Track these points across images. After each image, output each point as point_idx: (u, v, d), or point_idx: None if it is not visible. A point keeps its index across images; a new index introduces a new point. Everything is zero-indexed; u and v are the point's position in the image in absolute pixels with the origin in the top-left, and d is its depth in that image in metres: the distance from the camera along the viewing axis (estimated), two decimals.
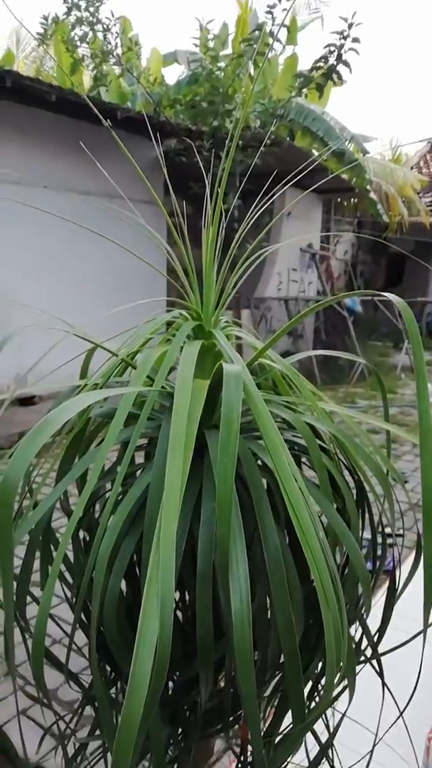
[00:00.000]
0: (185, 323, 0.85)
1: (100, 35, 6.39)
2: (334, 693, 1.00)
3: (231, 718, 0.96)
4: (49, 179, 6.06)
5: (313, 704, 1.04)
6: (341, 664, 0.66)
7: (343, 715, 0.91)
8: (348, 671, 0.77)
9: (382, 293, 0.77)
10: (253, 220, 1.06)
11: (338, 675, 0.98)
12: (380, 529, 1.06)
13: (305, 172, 1.39)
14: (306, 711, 0.77)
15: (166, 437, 0.70)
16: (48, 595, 0.72)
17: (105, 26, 6.36)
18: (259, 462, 0.89)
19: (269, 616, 0.88)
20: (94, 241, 6.28)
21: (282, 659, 0.89)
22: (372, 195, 9.39)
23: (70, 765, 0.99)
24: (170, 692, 0.95)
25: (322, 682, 1.02)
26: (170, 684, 1.00)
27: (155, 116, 6.42)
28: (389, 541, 1.11)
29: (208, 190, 0.96)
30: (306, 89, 6.98)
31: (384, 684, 1.10)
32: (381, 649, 1.08)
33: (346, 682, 0.85)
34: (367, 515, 1.08)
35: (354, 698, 1.03)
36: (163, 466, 0.64)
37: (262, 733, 1.05)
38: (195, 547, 0.78)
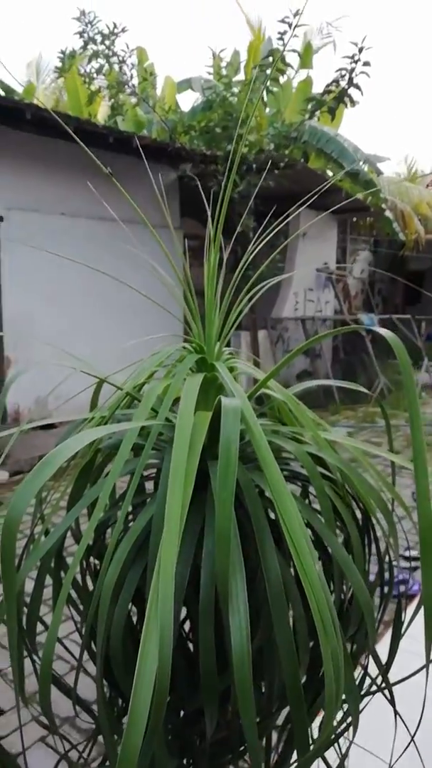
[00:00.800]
0: (188, 356, 0.87)
1: (116, 67, 6.58)
2: (344, 724, 1.00)
3: (241, 748, 0.96)
4: (68, 206, 6.20)
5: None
6: (342, 697, 0.66)
7: (351, 742, 0.90)
8: (352, 707, 0.77)
9: (373, 329, 0.78)
10: (266, 240, 1.08)
11: (342, 708, 0.97)
12: (387, 558, 1.06)
13: (319, 192, 1.41)
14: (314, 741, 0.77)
15: (167, 470, 0.72)
16: (55, 623, 0.74)
17: (120, 58, 6.54)
18: (267, 494, 0.90)
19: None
20: (111, 268, 6.38)
21: None
22: (387, 213, 9.41)
23: None
24: (179, 722, 0.96)
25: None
26: (181, 713, 1.00)
27: (171, 142, 6.55)
28: (405, 564, 1.10)
29: (210, 222, 0.99)
30: (318, 112, 7.08)
31: (396, 713, 1.09)
32: (392, 677, 1.07)
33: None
34: (374, 544, 1.08)
35: (368, 726, 1.02)
36: (166, 500, 0.66)
37: (273, 762, 1.04)
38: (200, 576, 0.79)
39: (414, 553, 3.09)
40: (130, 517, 0.99)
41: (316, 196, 1.39)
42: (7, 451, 0.79)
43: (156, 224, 1.01)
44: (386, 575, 1.10)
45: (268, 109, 9.17)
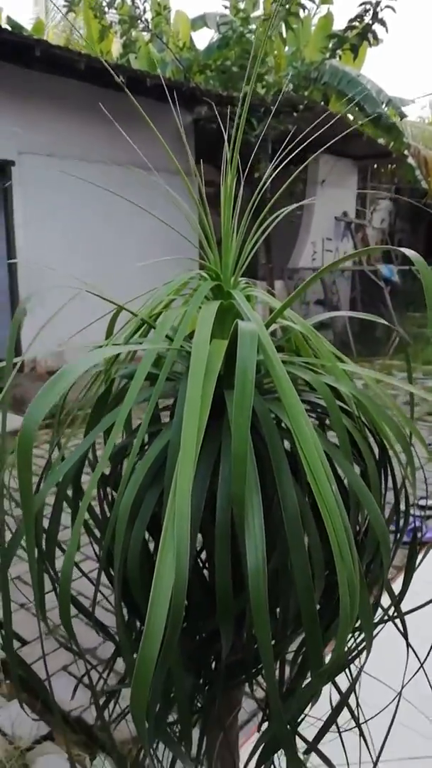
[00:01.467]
0: (203, 283, 0.85)
1: (128, 0, 6.30)
2: (357, 650, 1.02)
3: (254, 670, 0.99)
4: (82, 149, 6.07)
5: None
6: (356, 616, 0.67)
7: (361, 668, 0.93)
8: (366, 628, 0.78)
9: (400, 250, 0.75)
10: (277, 171, 1.04)
11: (357, 634, 1.00)
12: (403, 494, 1.05)
13: (331, 133, 1.36)
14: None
15: (184, 396, 0.71)
16: (74, 543, 0.75)
17: None
18: (284, 425, 0.89)
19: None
20: (127, 212, 6.29)
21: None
22: (410, 160, 9.09)
23: (102, 711, 1.04)
24: (195, 645, 0.98)
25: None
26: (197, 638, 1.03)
27: (185, 82, 6.32)
28: (420, 513, 1.10)
29: (226, 145, 0.95)
30: (340, 50, 6.76)
31: (408, 644, 1.12)
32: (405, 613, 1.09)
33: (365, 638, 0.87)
34: (390, 481, 1.07)
35: (379, 658, 1.04)
36: (182, 423, 0.66)
37: (285, 689, 1.08)
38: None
39: (430, 502, 3.11)
40: (146, 448, 0.99)
41: (336, 141, 1.34)
42: (7, 389, 0.79)
43: (172, 170, 0.97)
44: (401, 522, 1.10)
45: (287, 48, 8.77)
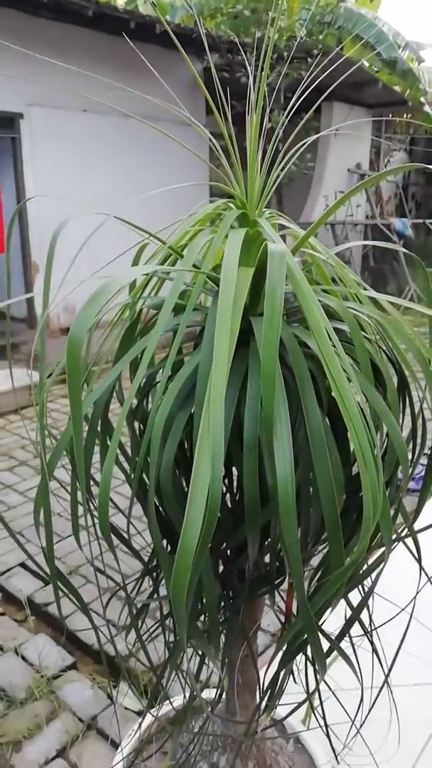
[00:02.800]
0: (229, 212, 0.88)
1: None
2: (373, 565, 1.08)
3: (276, 581, 1.06)
4: (89, 102, 5.96)
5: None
6: (377, 516, 0.72)
7: (375, 582, 0.99)
8: (384, 532, 0.83)
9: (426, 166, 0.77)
10: (289, 115, 1.05)
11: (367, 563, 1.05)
12: (421, 419, 1.10)
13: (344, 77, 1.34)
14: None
15: (213, 319, 0.75)
16: (109, 465, 0.80)
17: None
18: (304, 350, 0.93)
19: (312, 493, 0.95)
20: (137, 163, 6.20)
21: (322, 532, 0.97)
22: (427, 108, 8.82)
23: (135, 622, 1.12)
24: (221, 559, 1.05)
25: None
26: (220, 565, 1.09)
27: (195, 28, 6.13)
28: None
29: (251, 79, 0.96)
30: None
31: (421, 567, 1.18)
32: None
33: (380, 556, 0.92)
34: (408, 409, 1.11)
35: (393, 589, 1.09)
36: (212, 344, 0.69)
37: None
38: (242, 426, 0.84)
39: None
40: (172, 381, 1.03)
41: (350, 88, 1.32)
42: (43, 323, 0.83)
43: (182, 122, 0.97)
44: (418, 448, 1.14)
45: None
